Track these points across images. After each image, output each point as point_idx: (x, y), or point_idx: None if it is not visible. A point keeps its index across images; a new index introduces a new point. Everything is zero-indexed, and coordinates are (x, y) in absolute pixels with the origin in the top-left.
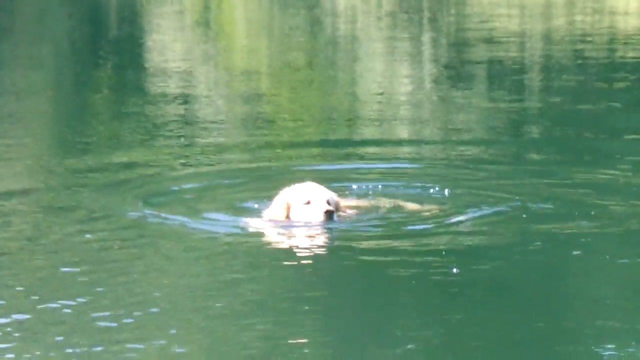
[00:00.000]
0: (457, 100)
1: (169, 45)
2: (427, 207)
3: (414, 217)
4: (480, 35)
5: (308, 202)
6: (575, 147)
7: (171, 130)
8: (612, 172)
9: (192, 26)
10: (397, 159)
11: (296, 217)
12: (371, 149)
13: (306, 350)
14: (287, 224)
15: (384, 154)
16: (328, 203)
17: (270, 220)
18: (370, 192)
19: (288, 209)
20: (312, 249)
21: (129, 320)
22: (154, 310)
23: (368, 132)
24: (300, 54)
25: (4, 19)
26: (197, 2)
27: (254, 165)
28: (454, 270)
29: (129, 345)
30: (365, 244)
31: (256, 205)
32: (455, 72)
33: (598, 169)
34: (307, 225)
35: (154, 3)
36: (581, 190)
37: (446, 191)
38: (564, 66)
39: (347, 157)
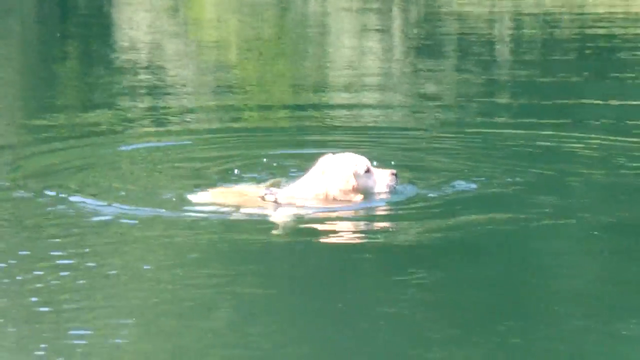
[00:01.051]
0: (425, 71)
1: (137, 17)
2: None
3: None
4: (450, 10)
5: (368, 170)
6: (543, 116)
7: (139, 96)
8: (578, 141)
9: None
10: (360, 127)
11: (362, 186)
12: (338, 115)
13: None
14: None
15: (350, 120)
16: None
17: (344, 195)
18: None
19: (357, 178)
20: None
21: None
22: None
23: (335, 99)
24: (269, 27)
25: None
26: None
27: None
28: None
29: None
30: (327, 225)
31: (236, 172)
32: (424, 44)
33: (565, 138)
34: (374, 194)
35: None
36: (548, 160)
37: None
38: (532, 38)
39: (313, 124)
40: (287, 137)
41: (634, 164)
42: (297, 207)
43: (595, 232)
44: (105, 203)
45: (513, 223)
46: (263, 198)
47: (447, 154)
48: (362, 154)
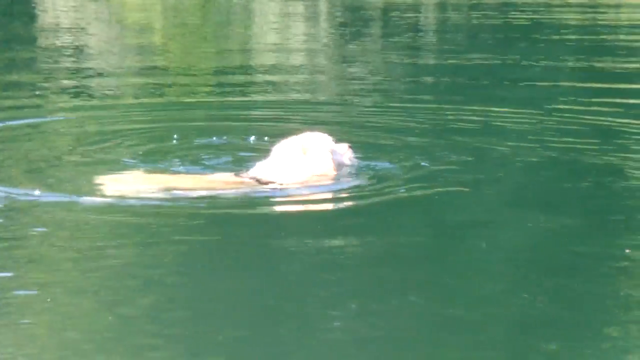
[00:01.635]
0: (350, 53)
1: (61, 1)
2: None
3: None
4: None
5: (332, 150)
6: (466, 94)
7: (64, 78)
8: (502, 117)
9: None
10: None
11: (337, 162)
12: (260, 92)
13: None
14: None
15: (271, 98)
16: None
17: (325, 172)
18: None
19: (333, 154)
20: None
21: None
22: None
23: (258, 79)
24: (194, 11)
25: None
26: None
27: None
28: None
29: None
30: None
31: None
32: (349, 29)
33: (489, 113)
34: (345, 168)
35: None
36: (472, 134)
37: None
38: (457, 25)
39: (235, 99)
40: (207, 113)
41: (552, 138)
42: (282, 186)
43: (518, 204)
44: (24, 184)
45: (437, 197)
46: (242, 180)
47: (376, 129)
48: (290, 129)
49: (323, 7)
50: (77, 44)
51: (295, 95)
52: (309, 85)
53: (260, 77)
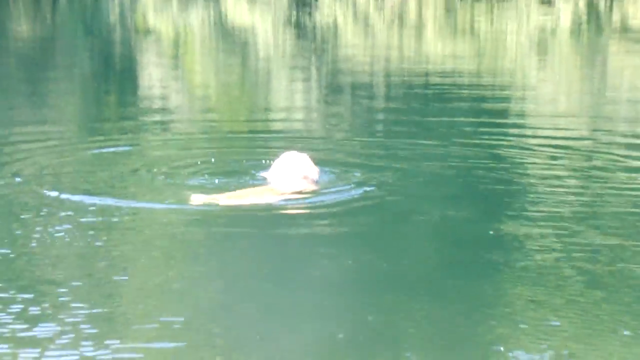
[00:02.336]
0: (333, 106)
1: (153, 72)
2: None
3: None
4: (347, 66)
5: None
6: (403, 128)
7: (150, 116)
8: (427, 145)
9: (168, 59)
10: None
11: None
12: (276, 126)
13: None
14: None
15: (286, 130)
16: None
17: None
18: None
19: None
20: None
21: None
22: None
23: (275, 118)
24: (235, 73)
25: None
26: (171, 44)
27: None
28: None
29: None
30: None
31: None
32: (333, 89)
33: (417, 143)
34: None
35: (143, 42)
36: (403, 160)
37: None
38: (397, 84)
39: (259, 129)
40: (241, 139)
41: (474, 164)
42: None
43: (439, 219)
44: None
45: (370, 212)
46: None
47: (343, 153)
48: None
49: (314, 72)
50: (160, 95)
51: (297, 129)
52: (307, 122)
53: (275, 115)
